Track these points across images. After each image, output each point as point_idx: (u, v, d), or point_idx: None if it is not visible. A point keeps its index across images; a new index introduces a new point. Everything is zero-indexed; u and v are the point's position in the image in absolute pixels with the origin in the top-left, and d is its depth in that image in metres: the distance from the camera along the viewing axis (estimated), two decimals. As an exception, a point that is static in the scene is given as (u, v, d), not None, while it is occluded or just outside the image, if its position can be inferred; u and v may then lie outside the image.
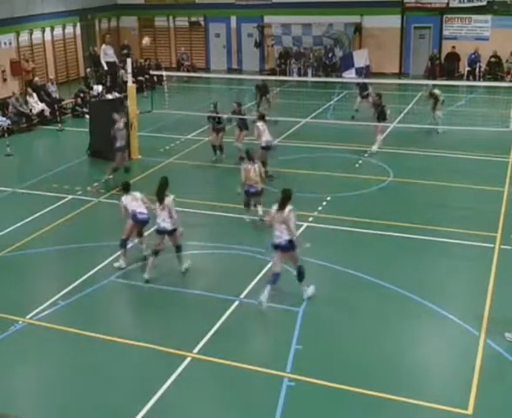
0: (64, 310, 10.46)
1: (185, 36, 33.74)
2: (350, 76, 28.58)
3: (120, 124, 16.42)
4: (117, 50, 29.12)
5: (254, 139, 16.17)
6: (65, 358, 9.25)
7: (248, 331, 10.05)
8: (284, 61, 31.25)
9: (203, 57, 33.67)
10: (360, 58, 29.05)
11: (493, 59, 28.26)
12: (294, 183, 15.78)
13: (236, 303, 10.49)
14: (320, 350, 9.25)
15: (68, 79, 30.26)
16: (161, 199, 11.09)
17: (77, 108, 24.06)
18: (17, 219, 14.00)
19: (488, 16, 28.56)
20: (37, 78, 25.35)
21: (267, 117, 16.75)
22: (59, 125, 22.37)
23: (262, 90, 22.48)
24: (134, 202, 11.73)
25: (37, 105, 22.91)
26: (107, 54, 26.26)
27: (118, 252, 11.89)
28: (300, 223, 13.44)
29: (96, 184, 16.24)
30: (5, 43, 26.77)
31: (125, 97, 19.41)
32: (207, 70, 33.00)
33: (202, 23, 33.33)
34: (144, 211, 11.78)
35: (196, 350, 9.23)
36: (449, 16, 29.13)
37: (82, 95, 24.51)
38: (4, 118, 21.63)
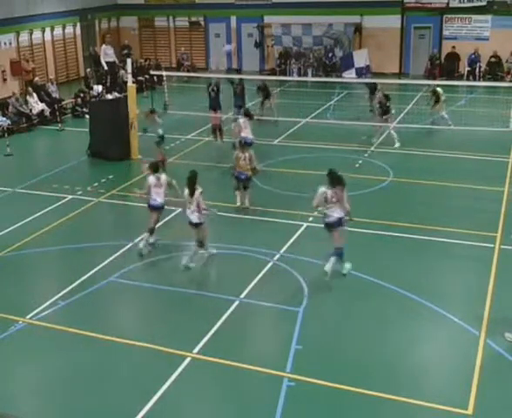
0: (64, 310, 10.46)
1: (185, 36, 33.74)
2: (350, 76, 28.63)
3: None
4: (118, 50, 29.14)
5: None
6: (65, 358, 9.24)
7: (248, 331, 10.06)
8: (284, 61, 31.23)
9: (203, 57, 33.68)
10: (360, 58, 29.09)
11: (493, 59, 28.25)
12: (294, 183, 15.89)
13: (236, 303, 10.49)
14: (320, 350, 9.25)
15: (68, 79, 30.26)
16: (192, 192, 11.25)
17: (77, 108, 24.07)
18: (17, 219, 14.00)
19: (488, 16, 28.55)
20: (37, 78, 25.36)
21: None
22: (59, 125, 22.37)
23: (264, 91, 22.38)
24: (155, 188, 12.00)
25: (37, 105, 22.92)
26: (107, 54, 26.27)
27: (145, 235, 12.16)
28: (300, 223, 13.50)
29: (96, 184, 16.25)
30: (5, 44, 26.77)
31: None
32: (207, 70, 33.01)
33: (202, 23, 33.35)
34: (159, 198, 12.01)
35: (196, 350, 9.23)
36: (449, 16, 29.12)
37: (82, 95, 24.51)
38: (4, 118, 21.63)
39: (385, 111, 18.97)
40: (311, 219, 13.66)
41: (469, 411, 7.92)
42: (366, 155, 18.16)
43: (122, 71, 26.18)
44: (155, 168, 12.21)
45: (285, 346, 9.27)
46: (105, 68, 26.13)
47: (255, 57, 32.39)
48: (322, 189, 10.98)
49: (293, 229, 13.22)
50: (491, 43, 28.28)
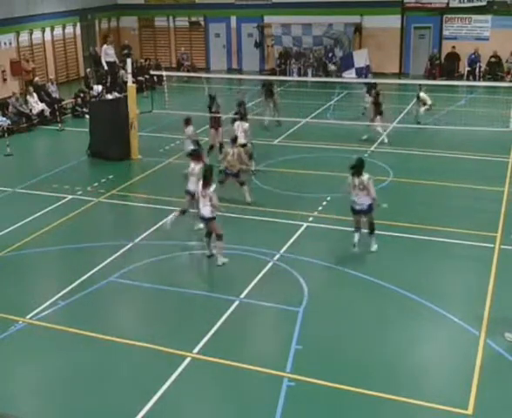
0: (64, 310, 10.45)
1: (185, 36, 33.75)
2: (350, 76, 28.62)
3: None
4: (118, 50, 29.13)
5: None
6: (65, 358, 9.24)
7: (248, 331, 10.06)
8: (284, 61, 31.24)
9: (203, 57, 33.68)
10: (360, 58, 29.09)
11: (493, 59, 28.26)
12: (294, 183, 15.89)
13: (236, 303, 10.49)
14: (320, 350, 9.25)
15: (68, 79, 30.26)
16: (205, 185, 11.40)
17: (77, 108, 24.05)
18: (17, 219, 13.99)
19: (488, 16, 28.56)
20: (37, 78, 25.34)
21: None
22: (59, 125, 22.36)
23: (268, 90, 22.28)
24: (192, 176, 12.51)
25: (37, 105, 22.91)
26: (108, 54, 26.25)
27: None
28: (300, 223, 13.51)
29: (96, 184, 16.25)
30: (5, 44, 26.76)
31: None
32: (207, 70, 33.01)
33: (202, 23, 33.35)
34: (192, 185, 12.43)
35: (196, 350, 9.23)
36: (449, 16, 29.13)
37: (82, 95, 24.51)
38: (4, 118, 21.62)
39: (379, 111, 19.14)
40: (311, 219, 13.67)
41: (469, 411, 7.92)
42: (366, 155, 18.13)
43: (122, 71, 26.18)
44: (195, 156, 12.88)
45: (285, 346, 9.27)
46: (106, 68, 26.13)
47: (255, 57, 32.40)
48: (350, 178, 11.91)
49: (293, 229, 13.22)
50: (491, 43, 28.28)
